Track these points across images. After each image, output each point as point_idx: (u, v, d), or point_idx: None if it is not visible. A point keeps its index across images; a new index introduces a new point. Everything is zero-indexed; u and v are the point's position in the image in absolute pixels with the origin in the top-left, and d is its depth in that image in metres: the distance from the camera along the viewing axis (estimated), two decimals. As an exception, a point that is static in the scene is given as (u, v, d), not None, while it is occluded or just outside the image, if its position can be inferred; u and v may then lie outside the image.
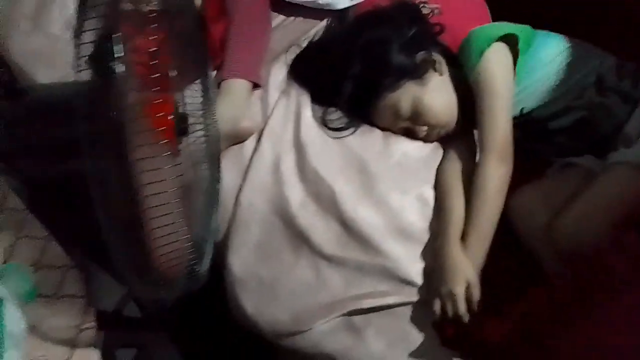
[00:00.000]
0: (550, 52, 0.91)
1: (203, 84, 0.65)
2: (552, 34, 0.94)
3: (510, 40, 0.88)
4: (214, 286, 0.80)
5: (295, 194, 0.93)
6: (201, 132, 0.67)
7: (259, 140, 0.98)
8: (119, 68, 0.50)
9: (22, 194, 0.68)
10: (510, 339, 0.74)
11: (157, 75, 0.53)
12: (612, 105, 0.88)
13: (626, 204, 0.77)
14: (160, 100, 0.53)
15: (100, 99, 0.52)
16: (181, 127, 0.57)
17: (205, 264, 0.62)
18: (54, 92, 0.59)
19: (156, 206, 0.49)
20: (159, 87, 0.54)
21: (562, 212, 0.80)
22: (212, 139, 0.68)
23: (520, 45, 0.88)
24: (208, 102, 0.66)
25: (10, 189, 0.72)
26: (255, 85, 1.03)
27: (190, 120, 0.63)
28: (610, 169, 0.81)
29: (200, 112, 0.66)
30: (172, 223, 0.52)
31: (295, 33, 1.12)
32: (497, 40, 0.87)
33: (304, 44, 1.08)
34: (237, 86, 0.98)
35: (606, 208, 0.77)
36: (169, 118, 0.55)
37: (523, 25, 0.92)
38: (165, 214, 0.49)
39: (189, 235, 0.57)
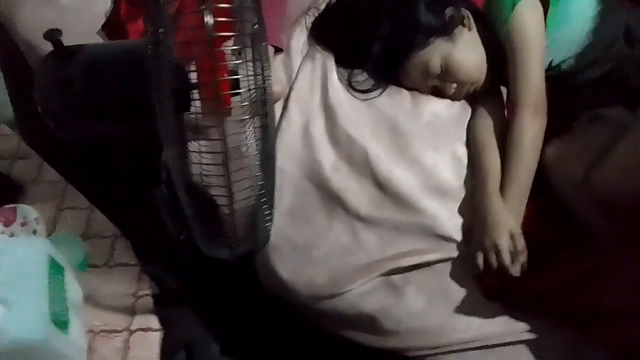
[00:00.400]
0: (580, 4, 0.91)
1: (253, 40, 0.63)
2: (580, -15, 0.93)
3: (541, -7, 0.87)
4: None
5: (327, 157, 0.92)
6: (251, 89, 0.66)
7: (285, 105, 0.97)
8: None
9: (61, 164, 0.67)
10: (557, 288, 0.74)
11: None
12: (641, 56, 0.88)
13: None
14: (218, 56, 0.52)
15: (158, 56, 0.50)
16: (234, 84, 0.56)
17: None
18: (105, 51, 0.57)
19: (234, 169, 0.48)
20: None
21: (600, 163, 0.80)
22: (264, 94, 0.66)
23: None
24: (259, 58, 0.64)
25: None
26: (277, 50, 1.01)
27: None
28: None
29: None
30: (245, 179, 0.51)
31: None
32: (529, -7, 0.86)
33: (322, 7, 1.06)
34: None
35: None
36: (224, 77, 0.54)
37: (553, -21, 0.91)
38: (240, 170, 0.48)
39: (261, 191, 0.57)
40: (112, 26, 1.03)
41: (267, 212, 0.65)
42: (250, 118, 0.64)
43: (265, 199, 0.66)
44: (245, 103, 0.62)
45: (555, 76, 0.93)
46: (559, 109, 0.93)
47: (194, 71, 0.59)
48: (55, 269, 0.58)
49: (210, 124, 0.58)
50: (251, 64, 0.63)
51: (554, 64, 0.93)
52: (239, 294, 1.07)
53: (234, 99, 0.61)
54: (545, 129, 0.86)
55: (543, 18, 0.88)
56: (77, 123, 0.53)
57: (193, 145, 0.58)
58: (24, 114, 1.22)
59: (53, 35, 0.49)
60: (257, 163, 0.63)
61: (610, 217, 0.80)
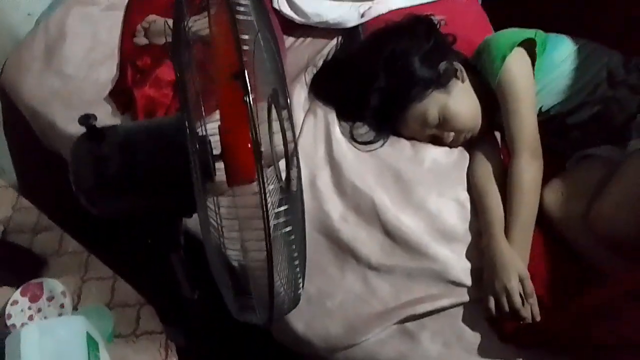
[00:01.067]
0: (563, 53, 0.97)
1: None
2: (561, 35, 1.00)
3: (528, 45, 0.93)
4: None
5: (335, 208, 0.95)
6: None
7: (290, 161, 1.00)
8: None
9: (83, 236, 0.68)
10: (570, 325, 0.76)
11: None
12: (623, 97, 0.94)
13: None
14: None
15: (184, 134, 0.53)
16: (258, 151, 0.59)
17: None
18: (137, 130, 0.60)
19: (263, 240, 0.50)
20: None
21: (599, 200, 0.84)
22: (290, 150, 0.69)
23: (537, 48, 0.94)
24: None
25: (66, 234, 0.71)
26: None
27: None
28: (637, 156, 0.86)
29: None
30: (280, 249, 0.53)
31: (309, 53, 1.15)
32: (517, 46, 0.92)
33: (320, 63, 1.11)
34: (265, 109, 1.00)
35: None
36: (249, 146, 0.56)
37: (536, 30, 0.97)
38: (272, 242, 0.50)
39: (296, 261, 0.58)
40: (119, 92, 1.07)
41: (300, 276, 0.66)
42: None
43: (298, 261, 0.69)
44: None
45: (545, 120, 0.99)
46: (551, 150, 0.98)
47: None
48: (92, 344, 0.59)
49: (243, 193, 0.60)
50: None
51: (544, 109, 0.98)
52: (253, 349, 1.07)
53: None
54: (542, 171, 0.90)
55: (531, 68, 0.94)
56: (110, 199, 0.55)
57: (227, 214, 0.60)
58: (25, 180, 1.24)
59: (88, 121, 0.51)
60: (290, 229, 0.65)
61: (613, 252, 0.84)
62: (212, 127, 0.61)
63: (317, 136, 1.01)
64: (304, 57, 1.15)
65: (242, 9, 0.55)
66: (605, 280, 0.78)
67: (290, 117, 0.69)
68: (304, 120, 1.04)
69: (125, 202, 0.56)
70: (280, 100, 0.67)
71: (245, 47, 0.51)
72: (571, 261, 0.87)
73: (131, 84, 1.04)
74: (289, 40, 1.19)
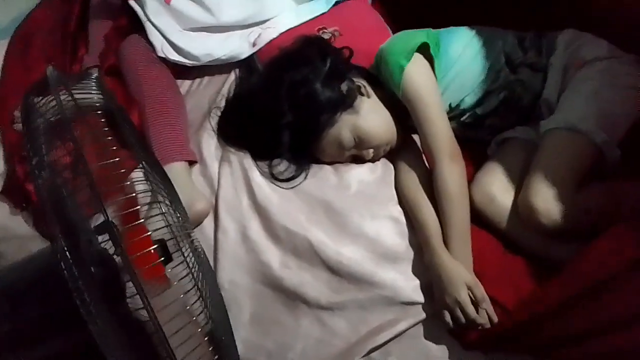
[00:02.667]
0: (458, 47, 0.96)
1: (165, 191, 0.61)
2: (453, 28, 0.99)
3: (422, 48, 0.92)
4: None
5: (274, 257, 0.91)
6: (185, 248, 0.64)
7: (216, 216, 0.95)
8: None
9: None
10: (531, 322, 0.77)
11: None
12: (526, 78, 0.95)
13: (578, 164, 0.84)
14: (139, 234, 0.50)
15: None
16: (165, 254, 0.54)
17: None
18: (12, 275, 0.53)
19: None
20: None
21: (524, 189, 0.85)
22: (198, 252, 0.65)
23: (432, 49, 0.93)
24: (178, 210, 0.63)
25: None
26: (191, 162, 0.99)
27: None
28: (550, 136, 0.87)
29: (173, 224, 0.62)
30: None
31: (209, 94, 1.09)
32: (413, 53, 0.90)
33: (222, 104, 1.05)
34: (175, 170, 0.94)
35: (563, 172, 0.83)
36: (151, 251, 0.52)
37: (427, 30, 0.96)
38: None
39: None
40: (13, 190, 0.97)
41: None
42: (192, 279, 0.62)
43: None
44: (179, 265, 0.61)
45: (457, 115, 0.99)
46: (471, 142, 0.98)
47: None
48: None
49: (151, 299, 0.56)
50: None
51: (453, 105, 0.98)
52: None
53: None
54: (465, 171, 0.89)
55: (431, 71, 0.93)
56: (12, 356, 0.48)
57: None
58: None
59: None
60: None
61: (552, 239, 0.85)
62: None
63: (237, 186, 0.96)
64: (205, 99, 1.09)
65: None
66: (556, 269, 0.78)
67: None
68: (219, 171, 0.98)
69: (29, 354, 0.50)
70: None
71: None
72: (517, 253, 0.87)
73: (23, 179, 0.94)
74: (185, 85, 1.12)
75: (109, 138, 0.47)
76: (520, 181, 0.88)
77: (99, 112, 0.49)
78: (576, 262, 0.74)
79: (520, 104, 0.96)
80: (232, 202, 0.95)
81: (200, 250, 0.68)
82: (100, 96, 0.50)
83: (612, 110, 0.86)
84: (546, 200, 0.82)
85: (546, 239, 0.85)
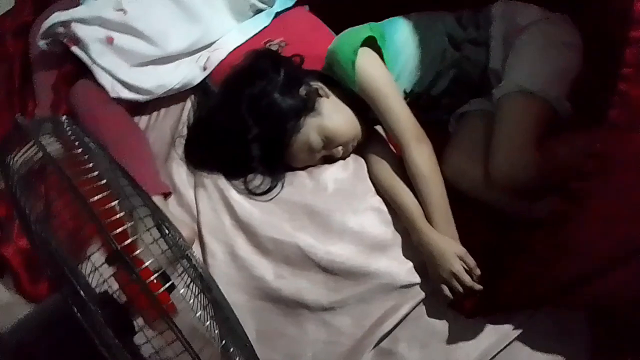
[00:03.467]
0: (402, 35, 1.00)
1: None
2: (394, 19, 1.03)
3: (369, 42, 0.95)
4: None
5: (267, 270, 0.92)
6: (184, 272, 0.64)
7: (202, 242, 0.95)
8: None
9: None
10: (521, 280, 0.80)
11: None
12: (471, 53, 1.00)
13: (535, 123, 0.88)
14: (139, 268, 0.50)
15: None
16: (168, 283, 0.54)
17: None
18: (28, 326, 0.52)
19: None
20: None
21: (490, 159, 0.89)
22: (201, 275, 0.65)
23: (378, 41, 0.96)
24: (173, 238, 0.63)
25: None
26: (166, 195, 0.99)
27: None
28: (504, 102, 0.91)
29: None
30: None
31: (170, 125, 1.09)
32: (360, 47, 0.93)
33: (185, 131, 1.05)
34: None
35: (524, 134, 0.87)
36: (154, 281, 0.51)
37: (369, 24, 1.00)
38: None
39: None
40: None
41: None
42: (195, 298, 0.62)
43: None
44: (183, 289, 0.60)
45: (414, 99, 1.02)
46: (432, 123, 1.02)
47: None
48: None
49: (163, 329, 0.55)
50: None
51: (408, 91, 1.02)
52: None
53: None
54: (433, 150, 0.93)
55: (382, 62, 0.96)
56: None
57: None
58: None
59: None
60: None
61: (528, 198, 0.89)
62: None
63: (216, 208, 0.96)
64: (166, 131, 1.08)
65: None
66: (537, 224, 0.81)
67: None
68: (196, 197, 0.98)
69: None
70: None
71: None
72: (497, 219, 0.91)
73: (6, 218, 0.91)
74: (142, 121, 1.11)
75: (93, 174, 0.47)
76: (485, 150, 0.92)
77: (77, 152, 0.48)
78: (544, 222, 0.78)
79: (470, 78, 1.01)
80: (214, 224, 0.95)
81: (198, 265, 0.67)
82: (75, 138, 0.50)
83: (555, 67, 0.91)
84: (512, 164, 0.86)
85: (522, 200, 0.89)
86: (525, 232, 0.82)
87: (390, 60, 0.98)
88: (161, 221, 0.60)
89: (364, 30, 0.96)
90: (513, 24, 0.97)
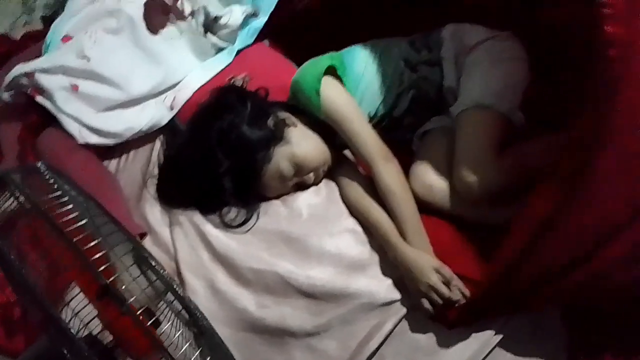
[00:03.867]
0: (360, 62, 1.05)
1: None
2: (352, 47, 1.08)
3: (330, 70, 0.99)
4: None
5: (249, 301, 0.92)
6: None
7: (182, 280, 0.95)
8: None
9: None
10: (500, 285, 0.82)
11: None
12: (426, 73, 1.05)
13: (492, 133, 0.93)
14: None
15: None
16: (154, 318, 0.54)
17: None
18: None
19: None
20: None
21: (454, 171, 0.93)
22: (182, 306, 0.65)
23: (339, 69, 1.00)
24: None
25: None
26: (141, 236, 0.99)
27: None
28: (462, 117, 0.96)
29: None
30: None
31: (140, 166, 1.10)
32: (323, 76, 0.97)
33: (156, 171, 1.06)
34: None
35: (483, 145, 0.92)
36: (140, 317, 0.52)
37: (330, 54, 1.04)
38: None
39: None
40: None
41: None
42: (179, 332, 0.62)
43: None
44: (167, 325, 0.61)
45: (378, 122, 1.06)
46: (396, 143, 1.06)
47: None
48: None
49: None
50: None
51: (371, 114, 1.06)
52: None
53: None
54: (400, 167, 0.96)
55: (344, 89, 1.00)
56: None
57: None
58: None
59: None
60: None
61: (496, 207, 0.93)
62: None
63: (193, 244, 0.97)
64: (137, 172, 1.09)
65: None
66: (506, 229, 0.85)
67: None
68: (172, 236, 0.98)
69: None
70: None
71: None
72: (467, 228, 0.94)
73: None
74: (112, 164, 1.12)
75: (73, 215, 0.48)
76: (449, 164, 0.96)
77: (55, 195, 0.49)
78: (519, 216, 0.81)
79: (428, 97, 1.06)
80: (192, 260, 0.96)
81: (185, 296, 0.67)
82: (53, 182, 0.50)
83: (505, 80, 0.97)
84: (475, 175, 0.90)
85: (488, 208, 0.93)
86: (495, 239, 0.85)
87: (351, 86, 1.03)
88: (143, 256, 0.61)
89: (324, 59, 1.01)
90: (462, 45, 1.04)
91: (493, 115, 0.94)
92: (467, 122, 0.96)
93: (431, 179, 0.97)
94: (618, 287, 0.79)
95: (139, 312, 0.52)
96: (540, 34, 1.08)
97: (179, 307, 0.64)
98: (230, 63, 1.18)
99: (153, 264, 0.59)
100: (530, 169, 0.87)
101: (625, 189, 0.68)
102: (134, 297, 0.49)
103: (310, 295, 0.92)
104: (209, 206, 0.99)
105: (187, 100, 1.12)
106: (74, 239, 0.45)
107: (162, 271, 0.60)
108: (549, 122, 0.97)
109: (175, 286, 0.61)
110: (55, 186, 0.49)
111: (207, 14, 1.16)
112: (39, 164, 0.57)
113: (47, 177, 0.52)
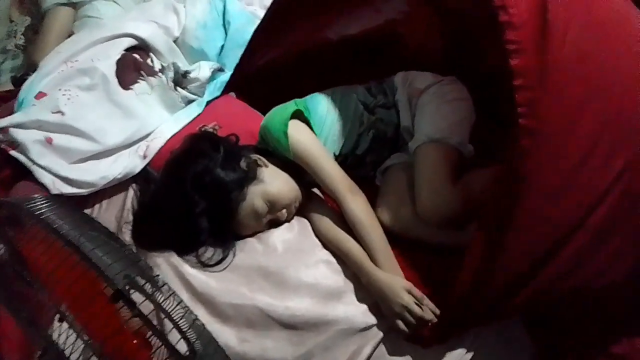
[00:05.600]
0: (323, 107, 1.15)
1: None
2: (314, 94, 1.18)
3: (296, 115, 1.08)
4: None
5: (230, 337, 0.94)
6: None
7: (161, 322, 0.95)
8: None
9: None
10: (466, 301, 0.89)
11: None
12: (383, 115, 1.16)
13: (446, 164, 1.04)
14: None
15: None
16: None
17: None
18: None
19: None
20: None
21: (416, 200, 1.02)
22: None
23: (304, 113, 1.09)
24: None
25: None
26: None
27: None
28: (418, 152, 1.07)
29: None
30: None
31: (115, 214, 1.12)
32: (290, 119, 1.06)
33: (131, 217, 1.09)
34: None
35: (439, 175, 1.02)
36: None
37: (295, 100, 1.13)
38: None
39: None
40: None
41: None
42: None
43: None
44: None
45: (342, 160, 1.15)
46: (361, 180, 1.14)
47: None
48: None
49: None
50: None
51: (336, 153, 1.14)
52: None
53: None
54: (366, 198, 1.04)
55: (310, 130, 1.09)
56: None
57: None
58: None
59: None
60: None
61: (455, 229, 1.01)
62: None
63: (172, 285, 0.98)
64: (111, 220, 1.11)
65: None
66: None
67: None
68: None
69: None
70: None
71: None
72: (433, 253, 1.02)
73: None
74: (86, 213, 1.13)
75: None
76: (411, 194, 1.05)
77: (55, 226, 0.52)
78: (473, 239, 0.89)
79: (386, 137, 1.16)
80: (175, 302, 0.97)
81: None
82: (50, 209, 0.54)
83: (454, 117, 1.09)
84: (434, 200, 1.00)
85: (450, 232, 1.01)
86: (458, 259, 0.92)
87: (316, 128, 1.11)
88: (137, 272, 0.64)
89: (290, 105, 1.10)
90: (413, 88, 1.16)
91: (445, 148, 1.05)
92: (423, 156, 1.06)
93: (395, 208, 1.05)
94: (566, 295, 0.86)
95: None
96: (480, 79, 1.23)
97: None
98: (201, 113, 1.25)
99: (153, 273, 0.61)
100: (479, 197, 0.97)
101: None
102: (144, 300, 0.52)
103: (291, 326, 0.94)
104: (186, 247, 1.01)
105: (160, 149, 1.17)
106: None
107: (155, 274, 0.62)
108: (493, 153, 1.09)
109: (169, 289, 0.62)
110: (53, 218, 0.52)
111: (177, 70, 1.24)
112: (37, 196, 0.60)
113: (45, 207, 0.55)
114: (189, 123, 1.23)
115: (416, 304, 0.92)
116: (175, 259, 1.01)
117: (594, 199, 0.78)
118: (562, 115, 0.75)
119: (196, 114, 1.25)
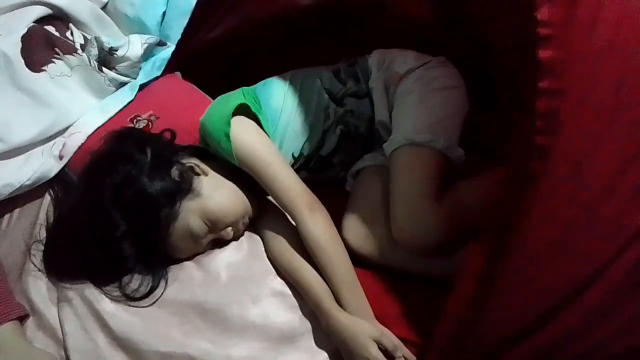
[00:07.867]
0: (277, 97, 0.93)
1: None
2: (267, 80, 0.96)
3: (242, 109, 0.86)
4: None
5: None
6: None
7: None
8: None
9: None
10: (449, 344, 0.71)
11: None
12: (354, 107, 0.94)
13: (429, 175, 0.83)
14: None
15: None
16: None
17: None
18: None
19: None
20: None
21: (393, 220, 0.82)
22: None
23: (252, 107, 0.87)
24: None
25: None
26: (22, 318, 0.81)
27: None
28: (395, 157, 0.86)
29: None
30: None
31: (24, 229, 0.91)
32: (232, 117, 0.84)
33: (43, 234, 0.89)
34: (4, 333, 0.76)
35: (420, 188, 0.81)
36: None
37: (241, 89, 0.91)
38: None
39: None
40: None
41: None
42: None
43: None
44: None
45: (304, 163, 0.94)
46: (330, 185, 0.94)
47: None
48: None
49: None
50: None
51: (296, 154, 0.93)
52: None
53: None
54: (329, 217, 0.84)
55: (259, 129, 0.87)
56: None
57: None
58: None
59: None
60: None
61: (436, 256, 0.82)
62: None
63: (86, 326, 0.80)
64: (20, 236, 0.91)
65: None
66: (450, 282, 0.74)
67: None
68: (60, 317, 0.81)
69: None
70: None
71: None
72: (412, 284, 0.83)
73: None
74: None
75: None
76: (385, 209, 0.85)
77: None
78: (462, 271, 0.70)
79: (358, 133, 0.95)
80: (85, 348, 0.79)
81: None
82: None
83: (440, 114, 0.87)
84: (414, 221, 0.80)
85: (431, 259, 0.82)
86: (439, 294, 0.73)
87: (269, 125, 0.90)
88: None
89: (235, 97, 0.87)
90: (391, 73, 0.93)
91: (428, 154, 0.84)
92: (401, 163, 0.86)
93: (365, 228, 0.85)
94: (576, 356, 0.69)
95: None
96: (478, 55, 1.00)
97: None
98: (133, 100, 1.03)
99: None
100: (471, 213, 0.77)
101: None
102: None
103: (233, 378, 0.77)
104: (106, 276, 0.82)
105: (80, 147, 0.95)
106: None
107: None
108: (493, 154, 0.88)
109: None
110: None
111: (100, 46, 1.00)
112: None
113: None
114: (117, 112, 1.00)
115: (387, 355, 0.73)
116: (91, 291, 0.82)
117: (616, 244, 0.58)
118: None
119: (127, 101, 1.02)
